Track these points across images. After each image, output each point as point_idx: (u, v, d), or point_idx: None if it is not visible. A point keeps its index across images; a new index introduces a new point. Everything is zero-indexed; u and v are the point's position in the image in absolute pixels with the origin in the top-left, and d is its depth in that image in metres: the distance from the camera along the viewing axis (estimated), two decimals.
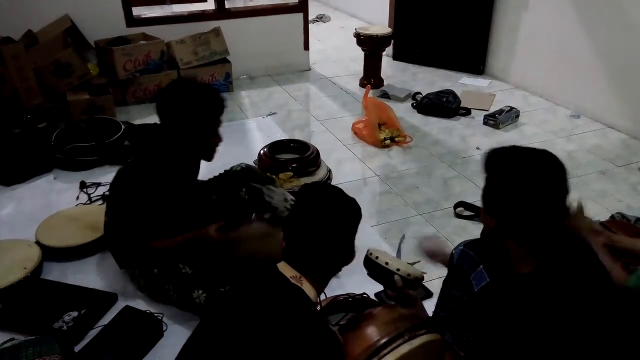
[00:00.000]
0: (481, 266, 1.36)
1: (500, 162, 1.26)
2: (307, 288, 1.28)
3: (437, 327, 1.45)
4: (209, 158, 2.06)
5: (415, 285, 1.53)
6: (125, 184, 2.01)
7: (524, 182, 1.19)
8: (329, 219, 1.31)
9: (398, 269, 1.50)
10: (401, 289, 1.50)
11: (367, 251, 1.57)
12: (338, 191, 1.41)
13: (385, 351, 1.36)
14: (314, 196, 1.37)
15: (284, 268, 1.30)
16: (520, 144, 1.32)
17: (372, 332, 1.43)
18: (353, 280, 1.88)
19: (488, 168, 1.27)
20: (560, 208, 1.21)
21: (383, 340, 1.39)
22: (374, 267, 1.54)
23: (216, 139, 2.01)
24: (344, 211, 1.35)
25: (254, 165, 2.53)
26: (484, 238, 1.40)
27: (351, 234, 1.37)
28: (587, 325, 1.22)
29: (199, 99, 1.91)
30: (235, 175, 2.35)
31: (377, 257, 1.54)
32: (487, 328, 1.28)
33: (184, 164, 2.09)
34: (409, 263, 2.31)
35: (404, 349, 1.37)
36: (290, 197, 2.33)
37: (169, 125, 1.95)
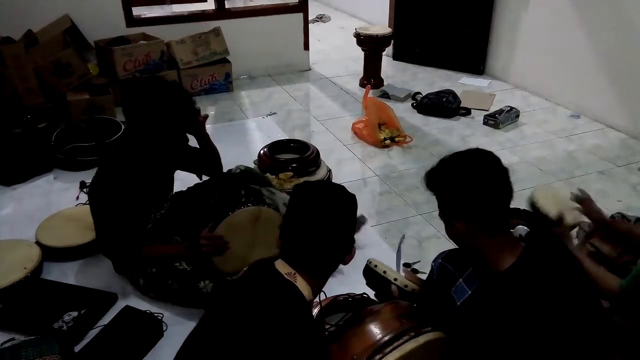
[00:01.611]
0: (460, 280, 1.41)
1: (445, 175, 1.36)
2: (301, 284, 1.27)
3: (441, 324, 1.46)
4: (176, 157, 2.04)
5: (411, 297, 1.53)
6: (98, 191, 1.97)
7: (474, 174, 1.31)
8: (321, 211, 1.30)
9: (395, 279, 1.52)
10: (397, 300, 1.51)
11: (367, 260, 1.59)
12: (332, 186, 1.41)
13: (389, 348, 1.35)
14: (307, 191, 1.37)
15: (279, 265, 1.31)
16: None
17: (376, 329, 1.42)
18: (353, 280, 1.88)
19: (435, 186, 1.37)
20: (509, 184, 1.33)
21: (387, 337, 1.38)
22: (372, 276, 1.58)
23: (183, 141, 1.96)
24: (336, 203, 1.33)
25: (252, 168, 2.52)
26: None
27: (346, 227, 1.34)
28: (574, 311, 1.26)
29: (162, 100, 1.82)
30: (235, 178, 2.34)
31: (375, 266, 1.57)
32: (477, 334, 1.31)
33: (151, 167, 2.02)
34: (409, 263, 2.35)
35: (409, 345, 1.36)
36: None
37: (135, 127, 1.89)
